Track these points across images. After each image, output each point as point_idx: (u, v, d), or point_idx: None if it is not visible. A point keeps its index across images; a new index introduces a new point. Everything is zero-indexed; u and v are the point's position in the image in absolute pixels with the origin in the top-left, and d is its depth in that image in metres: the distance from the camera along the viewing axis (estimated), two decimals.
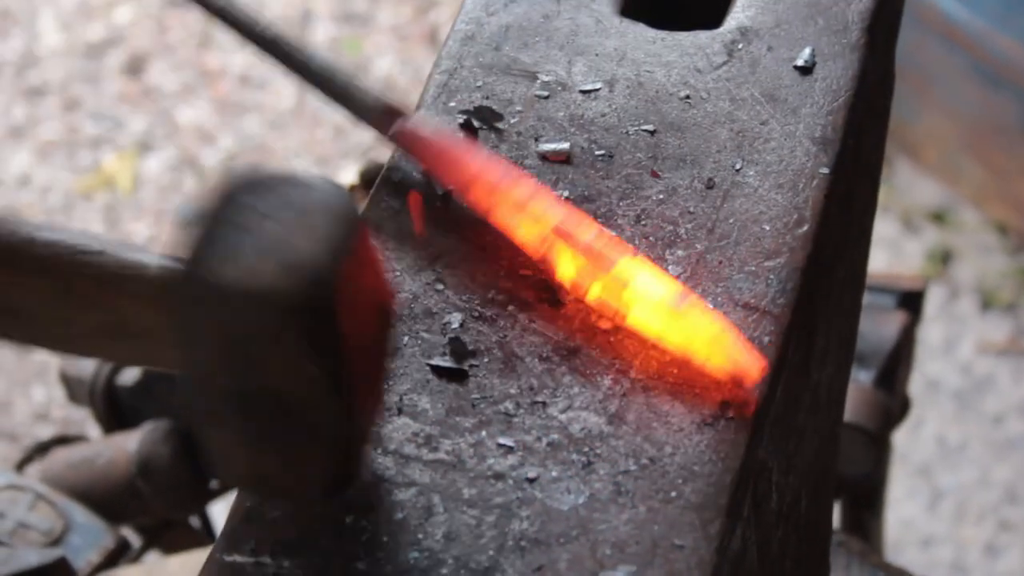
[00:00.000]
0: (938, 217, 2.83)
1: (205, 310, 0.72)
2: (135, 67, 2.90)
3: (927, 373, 2.64)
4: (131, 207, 2.87)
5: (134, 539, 1.47)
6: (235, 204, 0.73)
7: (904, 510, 2.50)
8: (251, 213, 0.73)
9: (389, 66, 2.95)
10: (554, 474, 0.80)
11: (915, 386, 2.59)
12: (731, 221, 0.88)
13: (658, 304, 0.83)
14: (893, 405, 1.46)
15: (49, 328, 0.77)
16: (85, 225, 2.87)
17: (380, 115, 0.91)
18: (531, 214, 0.86)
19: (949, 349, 2.69)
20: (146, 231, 2.86)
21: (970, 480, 2.54)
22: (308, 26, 3.00)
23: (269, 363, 0.72)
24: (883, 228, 2.78)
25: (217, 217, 0.73)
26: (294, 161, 2.91)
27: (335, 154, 2.82)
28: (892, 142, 2.84)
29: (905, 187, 2.85)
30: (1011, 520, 2.49)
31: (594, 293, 0.84)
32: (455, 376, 0.84)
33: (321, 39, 2.98)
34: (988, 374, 2.66)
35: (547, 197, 0.87)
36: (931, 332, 2.69)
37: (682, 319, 0.82)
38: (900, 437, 2.54)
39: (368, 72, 2.93)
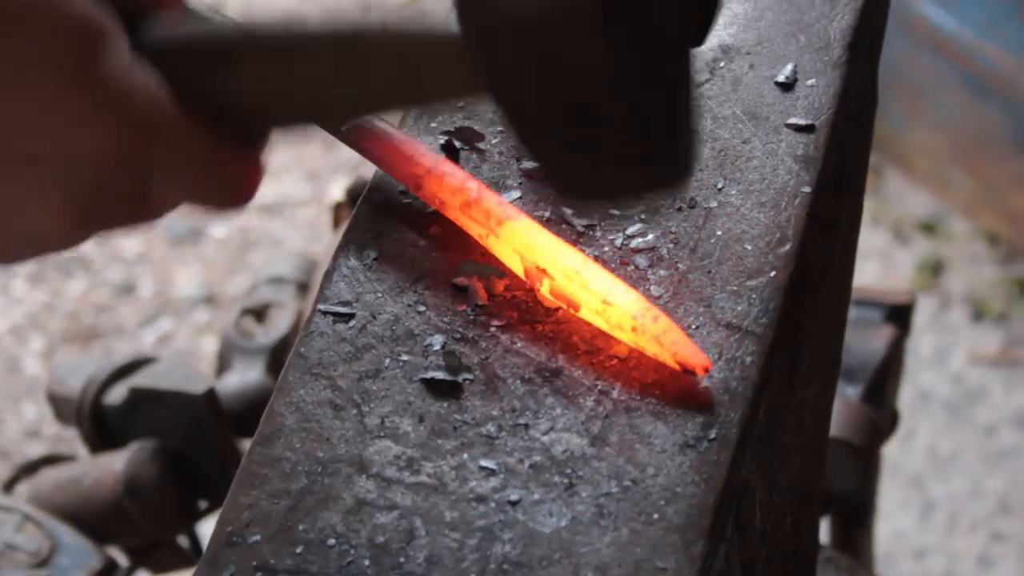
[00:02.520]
0: (928, 228, 2.83)
1: (499, 37, 0.71)
2: None
3: (919, 384, 2.65)
4: None
5: (122, 559, 1.47)
6: None
7: (896, 521, 2.50)
8: None
9: None
10: (536, 497, 0.80)
11: (906, 397, 2.59)
12: (713, 240, 0.88)
13: (601, 296, 0.84)
14: (882, 420, 1.46)
15: (342, 98, 0.77)
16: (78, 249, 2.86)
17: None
18: (479, 210, 0.87)
19: (940, 360, 2.69)
20: (136, 247, 2.86)
21: (962, 491, 2.54)
22: None
23: (584, 75, 0.71)
24: (874, 239, 2.78)
25: None
26: (283, 176, 2.91)
27: (325, 169, 2.82)
28: (882, 153, 2.85)
29: (895, 198, 2.85)
30: (1004, 531, 2.49)
31: (545, 287, 0.86)
32: (448, 390, 0.83)
33: None
34: (980, 384, 2.66)
35: (492, 196, 0.88)
36: (922, 343, 2.70)
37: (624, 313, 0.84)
38: (892, 448, 2.53)
39: None
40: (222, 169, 0.77)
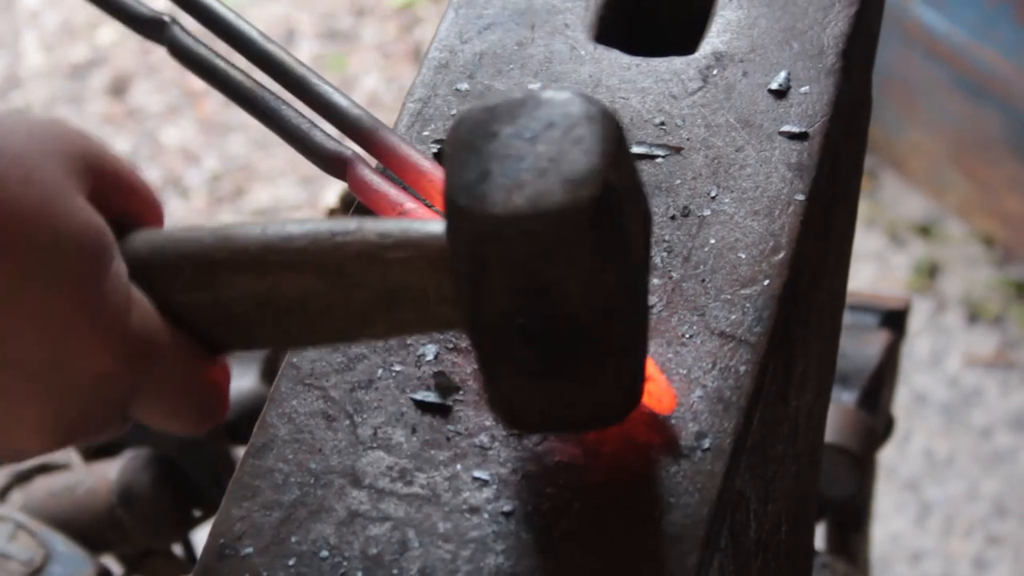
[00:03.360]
0: (924, 230, 2.83)
1: (493, 245, 0.72)
2: (119, 88, 2.90)
3: (914, 387, 2.64)
4: None
5: (116, 568, 1.47)
6: (493, 135, 0.73)
7: (892, 525, 2.49)
8: (516, 140, 0.73)
9: (374, 84, 2.95)
10: (530, 507, 0.80)
11: (902, 399, 2.59)
12: (706, 249, 0.88)
13: None
14: (877, 425, 1.46)
15: (324, 318, 0.76)
16: None
17: (331, 161, 0.92)
18: None
19: (936, 362, 2.69)
20: None
21: (958, 494, 2.54)
22: (292, 44, 3.00)
23: (565, 284, 0.72)
24: (869, 242, 2.78)
25: (479, 152, 0.73)
26: (279, 180, 2.90)
27: (320, 174, 2.82)
28: (877, 156, 2.85)
29: (890, 201, 2.85)
30: (1000, 534, 2.49)
31: None
32: (438, 411, 0.83)
33: (306, 57, 2.98)
34: (975, 387, 2.66)
35: None
36: (918, 345, 2.69)
37: None
38: (887, 451, 2.53)
39: (353, 89, 2.93)
40: (200, 390, 0.76)
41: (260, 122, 0.93)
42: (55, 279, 0.69)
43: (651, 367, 0.81)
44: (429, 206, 0.89)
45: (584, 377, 0.76)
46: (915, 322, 2.70)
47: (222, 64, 0.93)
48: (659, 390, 0.81)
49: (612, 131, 0.73)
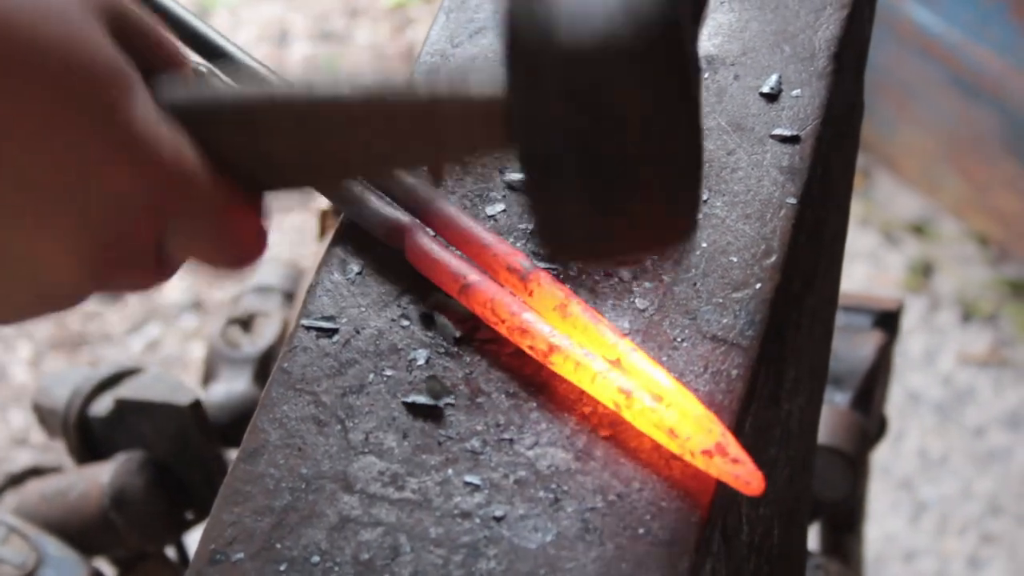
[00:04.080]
0: (918, 229, 2.83)
1: (557, 77, 0.70)
2: None
3: (908, 385, 2.64)
4: None
5: (109, 571, 1.46)
6: None
7: (887, 524, 2.49)
8: None
9: None
10: (521, 512, 0.79)
11: (896, 398, 2.59)
12: (698, 252, 0.88)
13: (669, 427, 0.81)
14: (870, 426, 1.45)
15: (367, 166, 0.78)
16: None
17: (388, 228, 0.89)
18: (530, 335, 0.84)
19: (930, 361, 2.69)
20: None
21: (952, 493, 2.54)
22: (285, 45, 3.00)
23: (628, 117, 0.71)
24: (864, 241, 2.78)
25: None
26: None
27: None
28: (871, 155, 2.85)
29: (885, 200, 2.85)
30: (994, 532, 2.49)
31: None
32: (430, 415, 0.83)
33: (298, 58, 2.97)
34: (969, 386, 2.66)
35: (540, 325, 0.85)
36: (912, 344, 2.69)
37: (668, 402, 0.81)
38: (882, 450, 2.53)
39: None
40: (238, 227, 0.77)
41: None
42: (75, 100, 0.71)
43: (738, 449, 0.80)
44: (492, 279, 0.86)
45: (635, 207, 0.74)
46: (909, 321, 2.70)
47: None
48: (747, 473, 0.79)
49: None
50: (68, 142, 0.71)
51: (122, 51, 0.73)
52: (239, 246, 0.77)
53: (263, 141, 0.76)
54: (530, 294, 0.85)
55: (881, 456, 2.54)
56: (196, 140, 0.75)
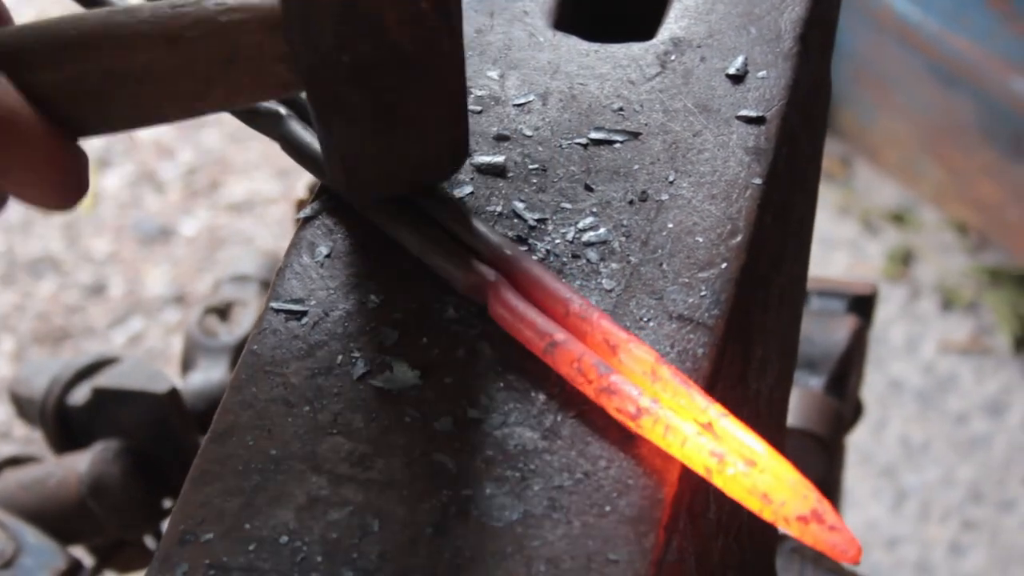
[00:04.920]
0: (898, 218, 2.83)
1: None
2: None
3: (890, 373, 2.65)
4: (91, 223, 2.86)
5: (87, 560, 1.47)
6: None
7: (868, 511, 2.50)
8: None
9: None
10: (489, 491, 0.80)
11: (878, 386, 2.60)
12: (664, 233, 0.88)
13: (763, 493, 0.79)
14: (845, 410, 1.46)
15: (168, 87, 0.83)
16: (44, 243, 2.86)
17: (474, 287, 0.87)
18: (619, 396, 0.82)
19: (911, 349, 2.70)
20: (106, 247, 2.86)
21: (934, 480, 2.55)
22: None
23: (388, 17, 0.79)
24: (843, 230, 2.79)
25: None
26: (253, 173, 2.90)
27: (294, 167, 2.82)
28: (850, 144, 2.86)
29: (864, 189, 2.86)
30: (975, 519, 2.50)
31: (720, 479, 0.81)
32: (395, 400, 0.83)
33: None
34: (950, 373, 2.67)
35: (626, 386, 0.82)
36: (893, 332, 2.70)
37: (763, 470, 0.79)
38: (864, 438, 2.54)
39: None
40: (62, 169, 0.80)
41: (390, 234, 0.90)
42: None
43: (834, 517, 0.78)
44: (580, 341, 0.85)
45: (412, 118, 0.83)
46: (890, 309, 2.71)
47: None
48: (845, 541, 0.77)
49: None
50: None
51: None
52: (64, 188, 0.80)
53: (69, 68, 0.81)
54: (618, 356, 0.83)
55: (863, 443, 2.54)
56: (15, 83, 0.79)
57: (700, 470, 0.80)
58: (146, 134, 2.88)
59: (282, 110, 0.92)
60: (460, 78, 0.84)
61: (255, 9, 0.82)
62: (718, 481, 0.79)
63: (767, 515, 0.78)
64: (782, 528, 0.78)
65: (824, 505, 0.78)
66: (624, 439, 0.81)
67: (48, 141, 0.79)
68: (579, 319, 0.84)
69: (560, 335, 0.83)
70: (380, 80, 0.81)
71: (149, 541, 1.51)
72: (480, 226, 0.88)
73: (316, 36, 0.80)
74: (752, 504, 0.78)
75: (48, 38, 0.81)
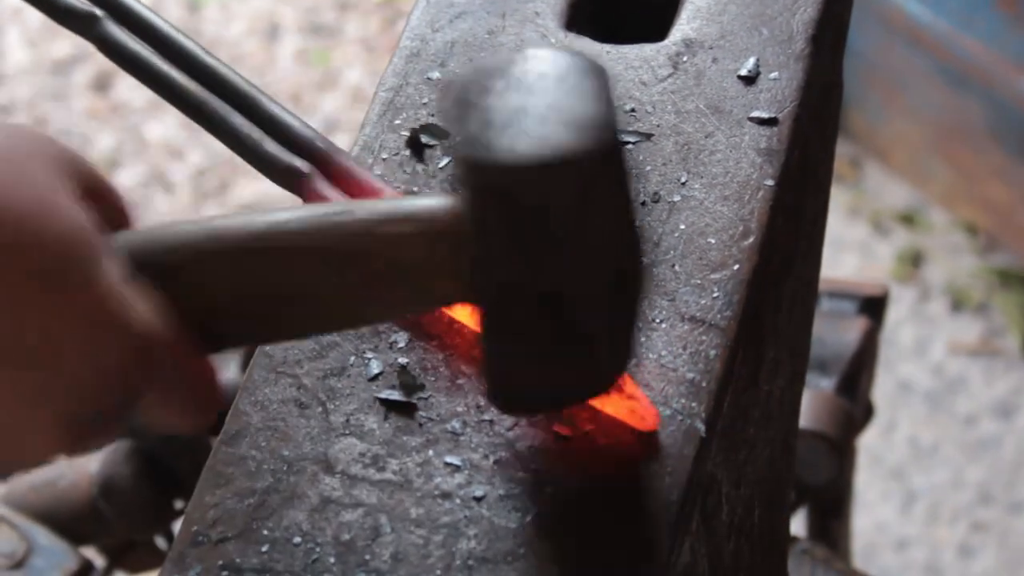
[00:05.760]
0: (907, 219, 2.83)
1: (505, 193, 0.71)
2: (102, 83, 2.90)
3: (899, 375, 2.65)
4: None
5: (98, 560, 1.47)
6: (487, 90, 0.73)
7: (877, 513, 2.50)
8: (515, 91, 0.72)
9: (358, 78, 2.95)
10: (501, 492, 0.80)
11: (887, 388, 2.59)
12: (676, 234, 0.88)
13: None
14: (856, 412, 1.46)
15: (318, 304, 0.75)
16: None
17: (285, 175, 0.90)
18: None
19: (920, 351, 2.69)
20: None
21: (943, 481, 2.54)
22: (276, 39, 3.00)
23: (578, 232, 0.72)
24: (853, 231, 2.79)
25: (477, 106, 0.72)
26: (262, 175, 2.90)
27: None
28: (860, 145, 2.86)
29: (874, 190, 2.85)
30: (985, 521, 2.49)
31: None
32: (403, 409, 0.83)
33: (289, 51, 2.98)
34: (960, 375, 2.67)
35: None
36: (902, 334, 2.70)
37: None
38: (872, 439, 2.54)
39: (337, 84, 2.93)
40: (201, 386, 0.75)
41: (207, 130, 0.90)
42: (54, 277, 0.68)
43: (633, 387, 0.81)
44: None
45: (592, 348, 0.75)
46: (899, 311, 2.71)
47: (163, 66, 0.91)
48: (642, 408, 0.81)
49: (605, 82, 0.73)
50: (46, 321, 0.68)
51: (87, 211, 0.71)
52: (201, 405, 0.76)
53: (214, 285, 0.74)
54: None
55: (872, 445, 2.54)
56: (155, 293, 0.73)
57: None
58: (155, 134, 2.89)
59: (98, 11, 0.91)
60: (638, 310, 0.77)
61: (417, 219, 0.74)
62: None
63: None
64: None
65: (624, 377, 0.80)
66: (637, 441, 0.81)
67: (186, 361, 0.74)
68: None
69: None
70: (566, 307, 0.73)
71: (160, 541, 1.51)
72: (292, 120, 0.90)
73: (500, 258, 0.72)
74: None
75: (184, 251, 0.74)
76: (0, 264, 0.67)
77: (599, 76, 0.74)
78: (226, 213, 0.77)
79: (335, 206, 0.75)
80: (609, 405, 0.81)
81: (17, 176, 0.69)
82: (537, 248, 0.72)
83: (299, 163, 0.89)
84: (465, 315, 0.84)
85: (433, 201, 0.74)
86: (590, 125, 0.71)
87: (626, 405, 0.80)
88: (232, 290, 0.74)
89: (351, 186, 0.89)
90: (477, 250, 0.72)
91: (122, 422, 0.74)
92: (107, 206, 0.74)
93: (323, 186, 0.89)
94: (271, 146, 0.90)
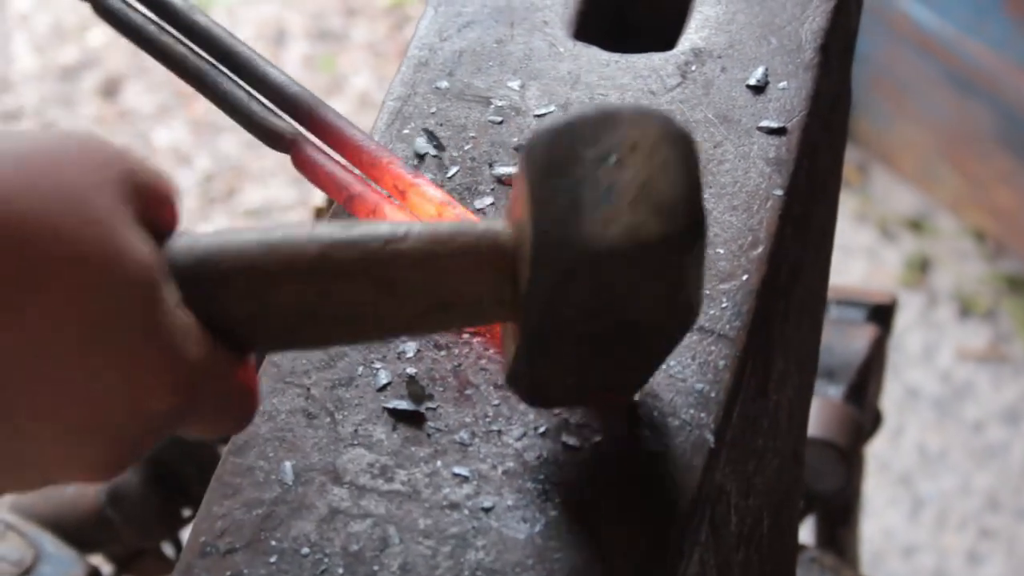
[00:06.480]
0: (915, 225, 2.83)
1: (586, 275, 0.72)
2: (110, 89, 2.90)
3: (906, 381, 2.65)
4: None
5: (106, 568, 1.47)
6: (577, 158, 0.73)
7: (885, 519, 2.50)
8: (601, 164, 0.72)
9: (365, 83, 2.95)
10: (510, 503, 0.80)
11: (895, 394, 2.59)
12: None
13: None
14: (864, 420, 1.46)
15: (371, 322, 0.75)
16: None
17: (276, 138, 0.91)
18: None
19: (928, 357, 2.69)
20: None
21: (951, 488, 2.54)
22: (283, 44, 3.00)
23: (643, 300, 0.73)
24: (861, 237, 2.79)
25: (565, 176, 0.72)
26: (270, 180, 2.91)
27: None
28: (867, 151, 2.85)
29: (882, 196, 2.85)
30: (993, 527, 2.49)
31: None
32: (411, 419, 0.83)
33: (296, 57, 2.98)
34: (967, 381, 2.66)
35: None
36: (910, 340, 2.70)
37: None
38: (880, 446, 2.54)
39: (343, 89, 2.93)
40: (239, 393, 0.74)
41: (200, 92, 0.92)
42: (120, 319, 0.67)
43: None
44: (372, 184, 0.89)
45: (628, 366, 0.78)
46: (907, 317, 2.71)
47: (154, 29, 0.92)
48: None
49: (693, 152, 0.73)
50: (114, 363, 0.67)
51: (145, 231, 0.69)
52: (239, 413, 0.75)
53: (270, 301, 0.74)
54: (408, 199, 0.88)
55: (880, 451, 2.54)
56: (205, 307, 0.72)
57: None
58: (163, 140, 2.89)
59: None
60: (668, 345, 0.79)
61: (479, 253, 0.74)
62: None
63: None
64: None
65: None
66: (644, 451, 0.81)
67: (229, 378, 0.73)
68: (371, 166, 0.89)
69: (357, 187, 0.89)
70: (612, 344, 0.76)
71: (167, 549, 1.51)
72: (279, 76, 0.92)
73: (560, 312, 0.73)
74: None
75: (244, 266, 0.73)
76: (63, 314, 0.66)
77: (688, 145, 0.73)
78: (285, 224, 0.77)
79: (390, 227, 0.74)
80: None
81: (80, 215, 0.66)
82: (596, 306, 0.73)
83: (289, 127, 0.91)
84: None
85: (484, 228, 0.75)
86: (680, 213, 0.72)
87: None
88: (279, 305, 0.74)
89: (338, 142, 0.91)
90: (534, 290, 0.73)
91: (161, 439, 0.73)
92: (164, 210, 0.73)
93: (312, 152, 0.91)
94: (262, 109, 0.92)
